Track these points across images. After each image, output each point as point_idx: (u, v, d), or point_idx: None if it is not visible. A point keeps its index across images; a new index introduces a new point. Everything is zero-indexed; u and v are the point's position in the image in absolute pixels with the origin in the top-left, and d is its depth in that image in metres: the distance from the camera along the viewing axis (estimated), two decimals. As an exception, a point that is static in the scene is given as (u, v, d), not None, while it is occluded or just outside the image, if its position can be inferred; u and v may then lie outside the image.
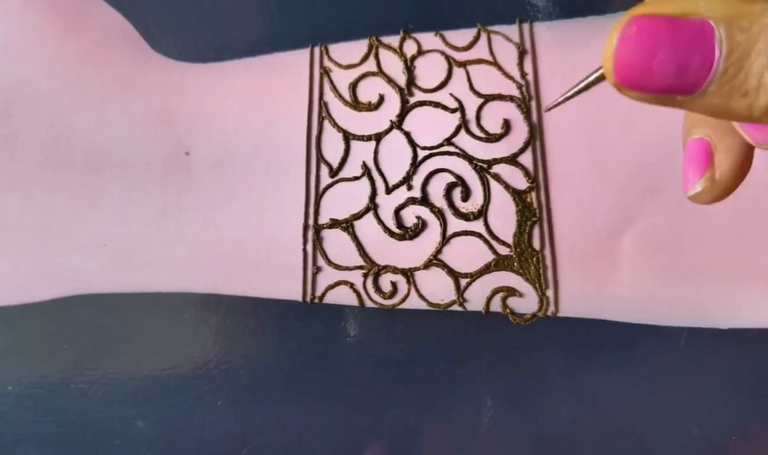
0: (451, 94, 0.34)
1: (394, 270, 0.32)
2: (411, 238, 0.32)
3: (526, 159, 0.33)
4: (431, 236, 0.32)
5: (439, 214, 0.32)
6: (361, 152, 0.33)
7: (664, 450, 0.31)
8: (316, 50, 0.35)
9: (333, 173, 0.33)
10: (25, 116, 0.34)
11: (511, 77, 0.34)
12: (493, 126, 0.33)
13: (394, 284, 0.32)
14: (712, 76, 0.19)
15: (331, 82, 0.34)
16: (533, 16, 0.34)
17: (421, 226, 0.32)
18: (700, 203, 0.22)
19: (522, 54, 0.34)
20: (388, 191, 0.33)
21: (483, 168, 0.33)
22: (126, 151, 0.34)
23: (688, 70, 0.19)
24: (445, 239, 0.32)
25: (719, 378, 0.31)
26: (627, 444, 0.31)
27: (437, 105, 0.34)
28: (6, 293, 0.33)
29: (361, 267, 0.32)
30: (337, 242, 0.33)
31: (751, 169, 0.27)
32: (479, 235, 0.32)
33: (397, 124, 0.34)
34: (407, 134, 0.33)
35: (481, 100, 0.34)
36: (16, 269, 0.33)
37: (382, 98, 0.34)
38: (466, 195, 0.33)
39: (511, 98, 0.33)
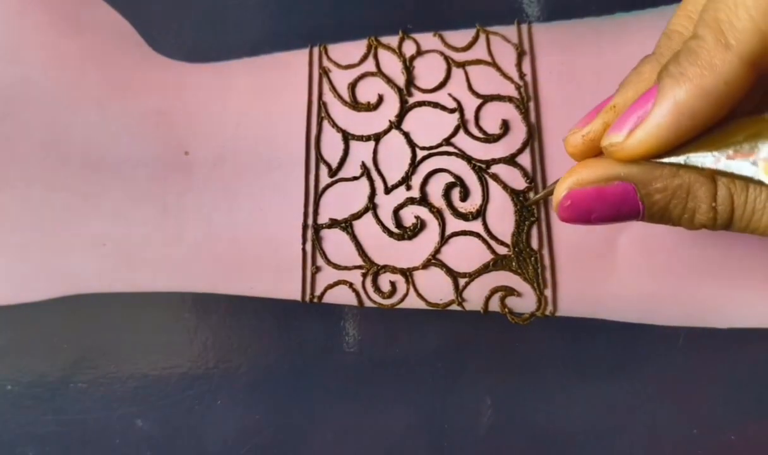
0: (449, 95, 0.34)
1: (393, 270, 0.32)
2: (410, 238, 0.32)
3: (525, 159, 0.33)
4: (430, 236, 0.32)
5: (437, 214, 0.32)
6: (361, 152, 0.33)
7: (662, 450, 0.31)
8: (315, 50, 0.35)
9: (332, 172, 0.33)
10: (23, 115, 0.34)
11: (509, 78, 0.34)
12: (492, 126, 0.33)
13: (393, 284, 0.32)
14: (642, 216, 0.23)
15: (330, 82, 0.34)
16: (532, 17, 0.35)
17: (419, 226, 0.32)
18: (615, 154, 0.23)
19: (520, 55, 0.34)
20: (387, 190, 0.33)
21: (482, 168, 0.33)
22: (125, 150, 0.34)
23: (620, 217, 0.24)
24: (444, 239, 0.32)
25: (718, 377, 0.31)
26: (625, 444, 0.31)
27: (436, 105, 0.34)
28: (4, 293, 0.33)
29: (360, 267, 0.32)
30: (336, 242, 0.33)
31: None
32: (478, 235, 0.32)
33: (396, 124, 0.34)
34: (406, 134, 0.33)
35: (479, 101, 0.34)
36: (14, 269, 0.33)
37: (381, 98, 0.34)
38: (465, 195, 0.33)
39: (510, 99, 0.34)
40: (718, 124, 0.21)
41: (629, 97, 0.24)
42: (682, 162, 0.22)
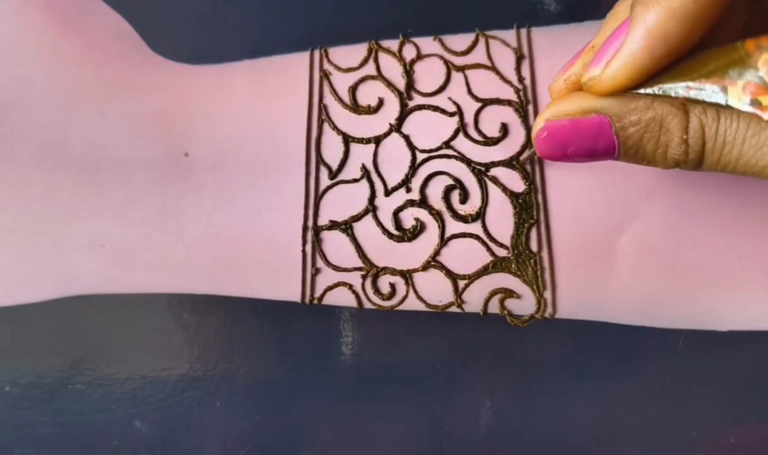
0: (449, 98, 0.34)
1: (393, 272, 0.32)
2: (409, 240, 0.32)
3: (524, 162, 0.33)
4: (429, 238, 0.32)
5: (437, 216, 0.32)
6: (361, 154, 0.34)
7: (662, 451, 0.31)
8: (316, 53, 0.35)
9: (332, 175, 0.33)
10: (23, 116, 0.34)
11: (508, 82, 0.34)
12: (491, 130, 0.33)
13: (392, 286, 0.32)
14: (617, 154, 0.24)
15: (331, 85, 0.35)
16: (531, 22, 0.35)
17: (419, 228, 0.32)
18: (594, 88, 0.24)
19: (520, 59, 0.34)
20: (387, 193, 0.33)
21: (481, 171, 0.33)
22: (125, 151, 0.34)
23: (596, 153, 0.24)
24: (444, 241, 0.32)
25: (717, 380, 0.31)
26: (625, 446, 0.31)
27: (436, 109, 0.34)
28: (3, 294, 0.33)
29: (359, 269, 0.32)
30: (336, 244, 0.33)
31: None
32: (477, 237, 0.32)
33: (397, 127, 0.34)
34: (406, 137, 0.34)
35: (479, 104, 0.34)
36: (13, 270, 0.33)
37: (381, 102, 0.34)
38: (464, 197, 0.33)
39: (509, 102, 0.34)
40: (692, 52, 0.22)
41: (606, 36, 0.24)
42: (657, 92, 0.22)
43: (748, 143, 0.21)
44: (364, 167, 0.33)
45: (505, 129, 0.33)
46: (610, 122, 0.23)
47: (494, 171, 0.33)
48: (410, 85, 0.34)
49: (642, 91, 0.23)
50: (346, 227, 0.33)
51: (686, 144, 0.23)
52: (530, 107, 0.34)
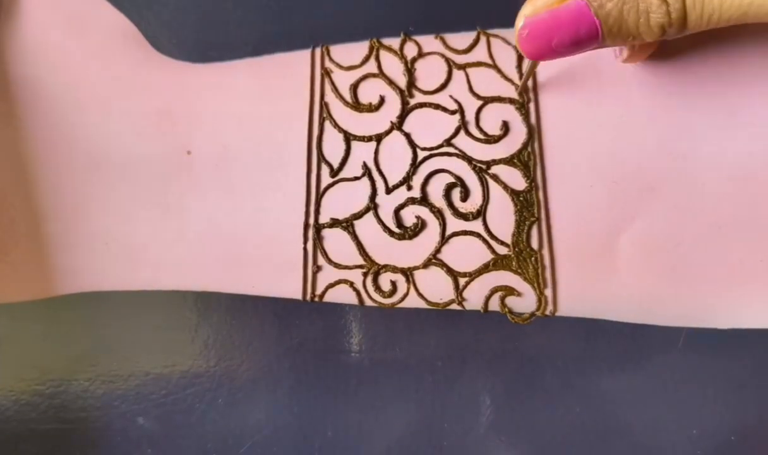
0: (450, 96, 0.34)
1: (394, 269, 0.32)
2: (410, 237, 0.33)
3: (525, 160, 0.33)
4: (430, 236, 0.32)
5: (438, 214, 0.33)
6: (362, 152, 0.34)
7: (662, 450, 0.31)
8: (317, 51, 0.35)
9: (333, 172, 0.34)
10: (28, 115, 0.35)
11: (510, 80, 0.34)
12: (492, 128, 0.34)
13: (393, 283, 0.32)
14: (602, 37, 0.24)
15: (332, 83, 0.35)
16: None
17: (420, 225, 0.32)
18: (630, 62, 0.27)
19: (521, 57, 0.34)
20: (388, 191, 0.33)
21: (482, 169, 0.33)
22: (128, 150, 0.34)
23: (580, 39, 0.24)
24: (444, 239, 0.32)
25: (718, 378, 0.31)
26: (625, 444, 0.31)
27: (437, 107, 0.34)
28: (7, 291, 0.33)
29: (361, 266, 0.32)
30: (337, 241, 0.33)
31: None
32: (478, 235, 0.32)
33: (398, 125, 0.34)
34: (407, 135, 0.34)
35: (480, 102, 0.34)
36: (17, 267, 0.33)
37: (382, 100, 0.34)
38: (465, 195, 0.33)
39: (510, 100, 0.34)
40: None
41: None
42: None
43: None
44: (365, 165, 0.33)
45: (506, 127, 0.33)
46: (587, 4, 0.24)
47: (495, 169, 0.33)
48: (411, 83, 0.34)
49: None
50: (347, 224, 0.33)
51: (666, 3, 0.23)
52: (531, 105, 0.34)
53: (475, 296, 0.32)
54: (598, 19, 0.24)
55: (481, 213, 0.32)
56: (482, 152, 0.33)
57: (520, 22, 0.25)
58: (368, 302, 0.32)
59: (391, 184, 0.33)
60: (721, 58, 0.32)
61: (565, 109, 0.33)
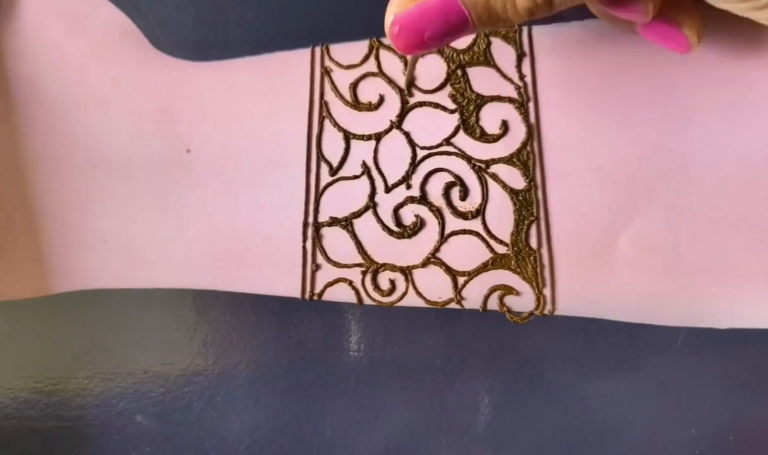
0: (450, 96, 0.34)
1: (393, 268, 0.32)
2: (409, 236, 0.33)
3: (524, 159, 0.33)
4: (429, 235, 0.32)
5: (437, 213, 0.33)
6: (361, 151, 0.34)
7: (660, 450, 0.31)
8: (317, 50, 0.35)
9: (333, 171, 0.34)
10: (27, 113, 0.35)
11: (509, 79, 0.34)
12: (492, 127, 0.34)
13: (392, 282, 0.32)
14: (473, 25, 0.24)
15: (332, 81, 0.35)
16: (532, 20, 0.35)
17: (419, 224, 0.33)
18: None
19: (520, 56, 0.34)
20: (388, 189, 0.33)
21: (481, 168, 0.33)
22: (127, 148, 0.34)
23: (451, 29, 0.24)
24: (444, 238, 0.32)
25: (717, 377, 0.31)
26: (623, 444, 0.31)
27: (436, 106, 0.34)
28: (7, 289, 0.33)
29: (359, 265, 0.32)
30: (336, 240, 0.33)
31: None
32: (477, 234, 0.32)
33: (397, 124, 0.34)
34: (407, 134, 0.34)
35: (479, 102, 0.34)
36: (16, 265, 0.33)
37: (382, 99, 0.34)
38: (465, 194, 0.33)
39: (510, 100, 0.34)
40: None
41: None
42: None
43: None
44: (364, 164, 0.33)
45: (505, 126, 0.33)
46: None
47: (494, 168, 0.33)
48: (411, 82, 0.34)
49: None
50: (347, 223, 0.33)
51: None
52: (531, 105, 0.34)
53: (474, 295, 0.32)
54: (466, 8, 0.24)
55: (480, 212, 0.32)
56: (481, 151, 0.33)
57: (389, 18, 0.25)
58: (367, 301, 0.32)
59: (390, 183, 0.33)
60: (720, 58, 0.32)
61: (565, 108, 0.33)
